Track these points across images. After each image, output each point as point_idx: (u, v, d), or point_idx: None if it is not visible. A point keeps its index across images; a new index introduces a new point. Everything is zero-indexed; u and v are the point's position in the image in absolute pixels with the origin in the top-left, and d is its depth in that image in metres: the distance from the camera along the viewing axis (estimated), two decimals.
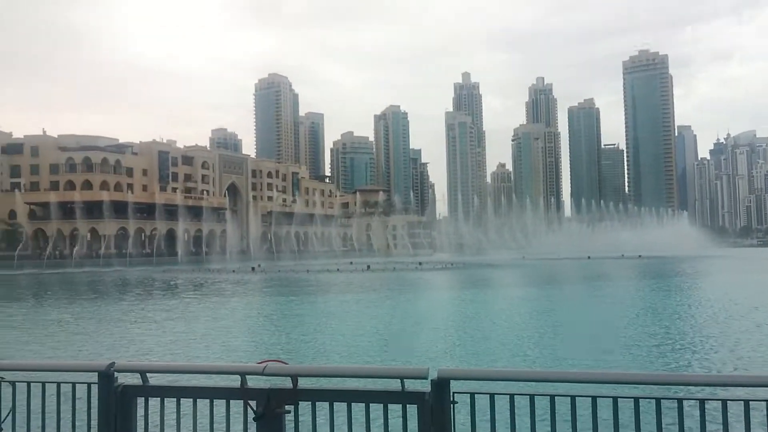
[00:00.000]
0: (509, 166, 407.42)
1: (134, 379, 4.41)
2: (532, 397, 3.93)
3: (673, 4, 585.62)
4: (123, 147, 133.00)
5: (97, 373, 4.37)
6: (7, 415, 4.59)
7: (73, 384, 4.52)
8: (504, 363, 16.94)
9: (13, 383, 4.63)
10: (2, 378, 4.62)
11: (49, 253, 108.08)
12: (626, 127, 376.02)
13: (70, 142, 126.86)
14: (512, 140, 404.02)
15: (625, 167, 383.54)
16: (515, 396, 3.97)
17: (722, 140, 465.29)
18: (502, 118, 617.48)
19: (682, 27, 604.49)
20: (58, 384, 4.58)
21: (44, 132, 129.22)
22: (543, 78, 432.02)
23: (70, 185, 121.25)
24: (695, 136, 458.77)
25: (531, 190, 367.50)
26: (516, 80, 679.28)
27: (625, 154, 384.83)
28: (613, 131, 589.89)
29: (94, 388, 4.41)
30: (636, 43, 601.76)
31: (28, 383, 4.61)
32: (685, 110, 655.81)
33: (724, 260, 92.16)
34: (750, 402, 3.71)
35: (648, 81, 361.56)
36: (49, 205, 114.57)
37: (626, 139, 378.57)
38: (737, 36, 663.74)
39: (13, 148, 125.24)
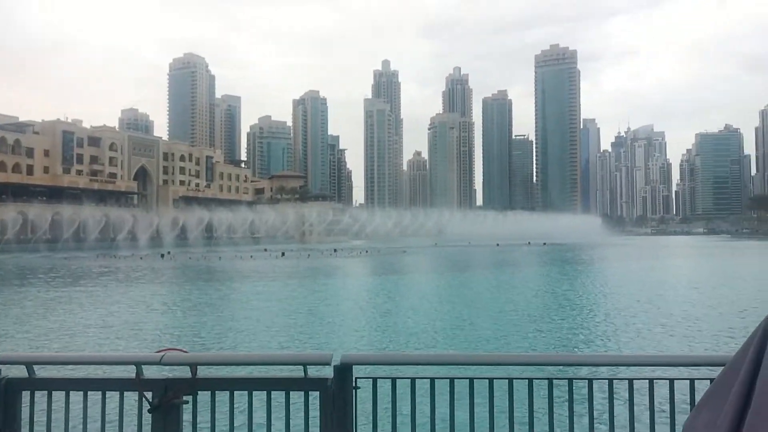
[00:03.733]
0: (425, 155, 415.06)
1: (20, 372, 4.12)
2: (432, 380, 3.99)
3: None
4: (23, 126, 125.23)
5: None
6: None
7: None
8: (412, 348, 17.16)
9: None
10: None
11: None
12: (536, 118, 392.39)
13: None
14: (429, 129, 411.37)
15: (534, 157, 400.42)
16: (416, 379, 4.02)
17: (623, 133, 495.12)
18: (420, 107, 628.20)
19: (589, 22, 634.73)
20: None
21: None
22: (460, 68, 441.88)
23: None
24: (599, 128, 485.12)
25: (445, 178, 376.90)
26: (434, 69, 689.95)
27: (534, 145, 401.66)
28: (525, 122, 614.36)
29: None
30: (547, 36, 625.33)
31: None
32: (590, 103, 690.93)
33: (617, 248, 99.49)
34: (654, 381, 3.88)
35: (557, 75, 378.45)
36: None
37: (536, 131, 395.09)
38: (638, 34, 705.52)
39: None
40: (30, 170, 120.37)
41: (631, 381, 3.92)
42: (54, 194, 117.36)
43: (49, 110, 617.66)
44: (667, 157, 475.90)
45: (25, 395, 4.13)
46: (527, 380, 3.94)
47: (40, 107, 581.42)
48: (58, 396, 4.13)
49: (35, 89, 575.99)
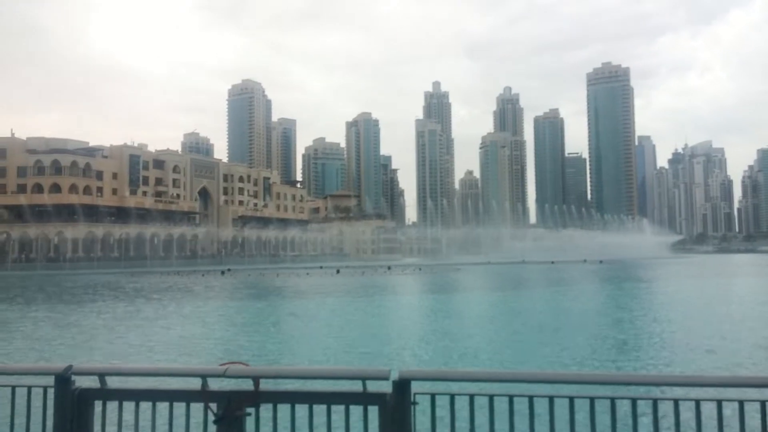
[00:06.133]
0: (477, 174, 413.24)
1: (92, 382, 4.29)
2: (491, 397, 3.99)
3: (633, 16, 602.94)
4: (93, 150, 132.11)
5: (53, 377, 4.22)
6: None
7: (29, 388, 4.40)
8: (467, 364, 16.96)
9: None
10: None
11: (15, 257, 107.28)
12: (589, 136, 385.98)
13: (39, 145, 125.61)
14: (480, 148, 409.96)
15: (588, 175, 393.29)
16: (475, 396, 4.03)
17: (680, 150, 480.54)
18: (470, 126, 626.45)
19: (642, 39, 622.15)
20: (13, 388, 4.43)
21: (12, 134, 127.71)
22: (510, 88, 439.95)
23: (38, 188, 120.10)
24: (654, 145, 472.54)
25: (497, 196, 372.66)
26: (483, 89, 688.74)
27: (587, 163, 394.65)
28: (577, 140, 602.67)
29: (51, 392, 4.25)
30: (599, 53, 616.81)
31: None
32: (645, 121, 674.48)
33: (678, 266, 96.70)
34: (722, 402, 3.81)
35: (610, 92, 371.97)
36: (16, 208, 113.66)
37: (589, 149, 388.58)
38: (694, 49, 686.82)
39: None
40: (99, 192, 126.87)
41: (698, 402, 3.84)
42: (122, 215, 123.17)
43: (117, 135, 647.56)
44: (728, 174, 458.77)
45: (98, 405, 4.30)
46: (588, 399, 3.92)
47: (108, 132, 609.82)
48: (128, 406, 4.29)
49: (103, 115, 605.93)
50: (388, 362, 16.92)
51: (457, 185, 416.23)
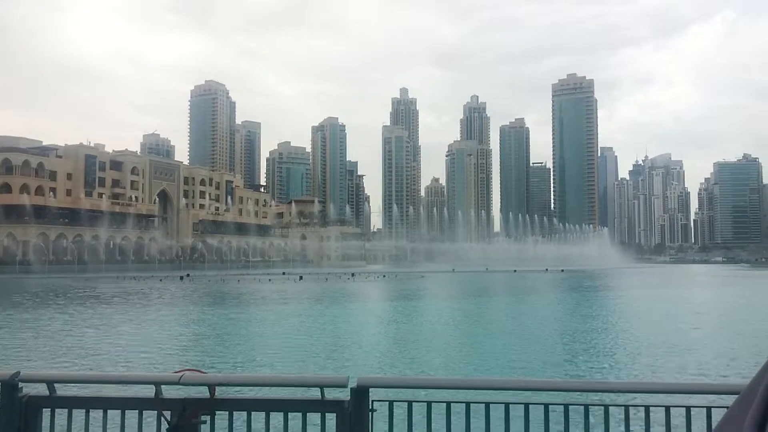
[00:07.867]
0: (443, 181, 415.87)
1: (41, 390, 4.15)
2: (448, 404, 4.01)
3: (598, 29, 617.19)
4: (46, 150, 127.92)
5: None
6: None
7: None
8: (425, 371, 17.07)
9: None
10: None
11: None
12: (553, 146, 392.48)
13: None
14: (446, 156, 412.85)
15: (551, 185, 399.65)
16: (432, 403, 4.05)
17: (640, 162, 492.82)
18: (437, 134, 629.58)
19: (606, 52, 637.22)
20: None
21: None
22: (477, 96, 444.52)
23: None
24: (616, 157, 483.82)
25: (463, 204, 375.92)
26: (450, 97, 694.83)
27: (551, 173, 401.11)
28: (542, 150, 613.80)
29: None
30: (564, 65, 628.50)
31: None
32: (607, 132, 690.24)
33: (637, 275, 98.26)
34: (670, 408, 3.91)
35: (574, 103, 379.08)
36: None
37: (553, 158, 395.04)
38: (656, 63, 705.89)
39: None
40: (53, 192, 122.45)
41: (647, 408, 3.93)
42: (76, 217, 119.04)
43: (74, 135, 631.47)
44: (686, 186, 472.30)
45: (46, 413, 4.15)
46: (543, 406, 3.97)
47: (63, 132, 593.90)
48: (78, 414, 4.16)
49: (58, 114, 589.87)
50: (347, 369, 16.87)
51: (423, 192, 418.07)
